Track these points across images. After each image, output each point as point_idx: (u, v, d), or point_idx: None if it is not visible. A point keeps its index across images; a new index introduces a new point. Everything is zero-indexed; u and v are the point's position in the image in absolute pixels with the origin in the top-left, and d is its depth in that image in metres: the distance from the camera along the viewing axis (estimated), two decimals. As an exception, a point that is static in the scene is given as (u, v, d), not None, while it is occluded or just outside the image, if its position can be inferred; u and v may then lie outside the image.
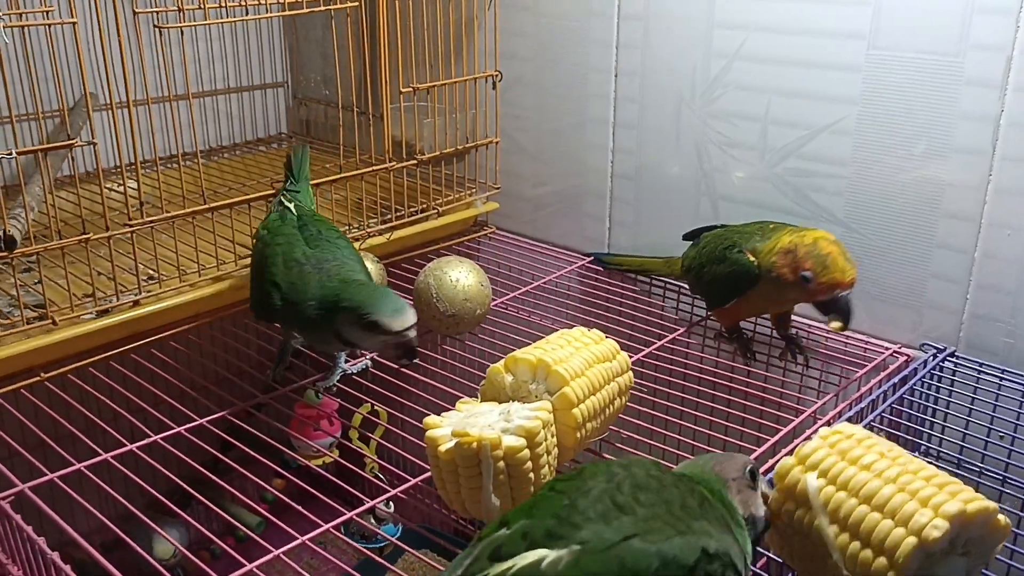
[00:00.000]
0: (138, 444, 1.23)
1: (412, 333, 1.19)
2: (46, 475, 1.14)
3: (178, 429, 1.26)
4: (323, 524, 1.07)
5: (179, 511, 1.16)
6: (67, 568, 0.97)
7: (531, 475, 1.02)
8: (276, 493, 1.21)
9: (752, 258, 1.32)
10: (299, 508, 1.11)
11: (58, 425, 1.26)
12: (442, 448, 1.00)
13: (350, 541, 1.15)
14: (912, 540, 0.80)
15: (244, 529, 1.16)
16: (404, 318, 1.18)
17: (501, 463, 0.99)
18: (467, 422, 1.02)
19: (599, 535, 0.75)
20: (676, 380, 1.43)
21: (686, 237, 1.55)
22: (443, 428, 1.02)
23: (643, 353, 1.44)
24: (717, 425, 1.28)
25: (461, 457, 1.00)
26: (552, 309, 1.71)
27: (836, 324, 1.26)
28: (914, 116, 1.33)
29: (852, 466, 0.88)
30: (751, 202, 1.54)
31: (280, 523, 1.08)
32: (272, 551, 1.02)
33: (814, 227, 1.31)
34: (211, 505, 1.15)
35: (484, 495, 1.01)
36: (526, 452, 1.00)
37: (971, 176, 1.29)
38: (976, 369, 1.29)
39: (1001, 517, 0.83)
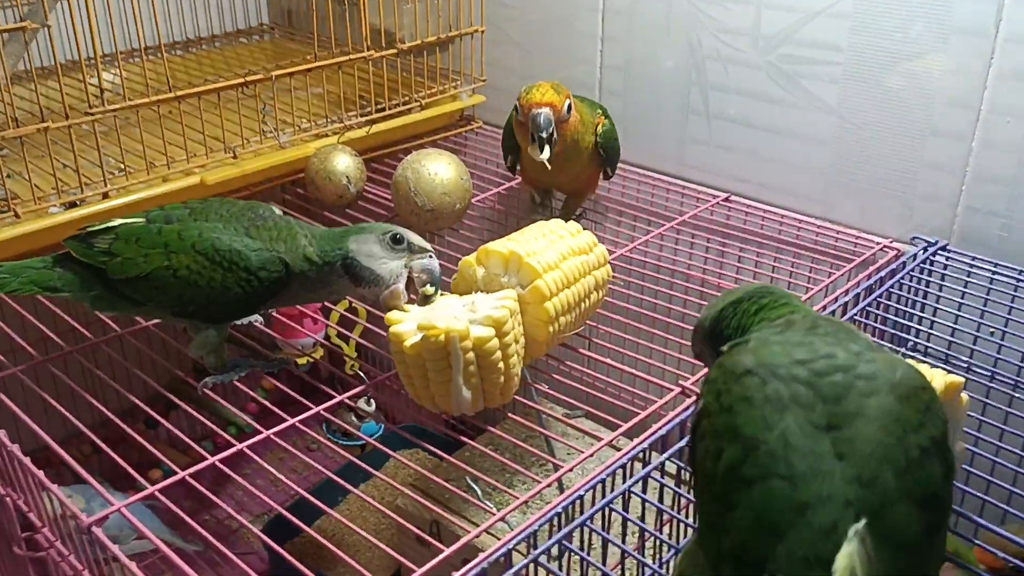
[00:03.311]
0: (106, 338, 1.22)
1: (435, 259, 1.09)
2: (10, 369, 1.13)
3: (146, 324, 1.23)
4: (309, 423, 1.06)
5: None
6: (27, 460, 0.95)
7: (500, 364, 0.99)
8: (262, 402, 1.20)
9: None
10: (277, 414, 1.08)
11: (28, 325, 1.23)
12: (407, 343, 0.98)
13: (330, 441, 1.13)
14: (941, 379, 0.82)
15: (225, 436, 1.12)
16: (427, 243, 1.08)
17: (470, 354, 0.97)
18: (431, 315, 0.99)
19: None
20: (662, 276, 1.40)
21: None
22: (407, 323, 1.00)
23: (627, 248, 1.40)
24: (700, 321, 1.25)
25: (428, 351, 0.97)
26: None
27: (534, 151, 1.28)
28: (915, -4, 1.25)
29: None
30: (743, 91, 1.48)
31: (271, 421, 1.06)
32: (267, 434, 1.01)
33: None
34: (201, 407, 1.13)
35: (454, 388, 0.98)
36: (495, 342, 0.98)
37: (971, 59, 1.22)
38: (968, 263, 1.25)
39: (964, 394, 0.86)
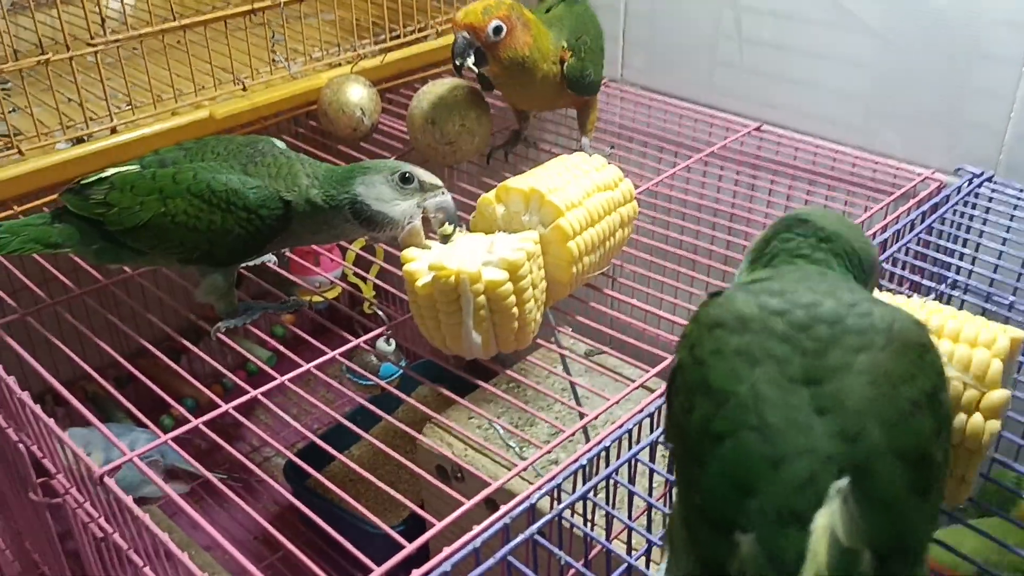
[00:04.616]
0: (118, 278, 1.19)
1: (448, 195, 1.04)
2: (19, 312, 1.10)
3: (155, 267, 1.20)
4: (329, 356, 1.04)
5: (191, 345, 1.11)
6: (38, 408, 0.93)
7: (514, 310, 0.96)
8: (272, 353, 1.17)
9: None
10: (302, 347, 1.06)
11: (40, 265, 1.20)
12: (419, 283, 0.94)
13: (341, 386, 1.10)
14: (1005, 337, 0.75)
15: (257, 362, 1.09)
16: (436, 178, 1.04)
17: (482, 298, 0.93)
18: (445, 255, 0.95)
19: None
20: (689, 211, 1.34)
21: None
22: (420, 262, 0.96)
23: (653, 182, 1.35)
24: (732, 260, 1.19)
25: (439, 292, 0.94)
26: (562, 137, 1.60)
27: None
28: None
29: None
30: (776, 12, 1.40)
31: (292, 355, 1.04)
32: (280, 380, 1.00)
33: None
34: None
35: (464, 331, 0.95)
36: (508, 286, 0.94)
37: (1027, -24, 1.14)
38: (1015, 195, 1.18)
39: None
